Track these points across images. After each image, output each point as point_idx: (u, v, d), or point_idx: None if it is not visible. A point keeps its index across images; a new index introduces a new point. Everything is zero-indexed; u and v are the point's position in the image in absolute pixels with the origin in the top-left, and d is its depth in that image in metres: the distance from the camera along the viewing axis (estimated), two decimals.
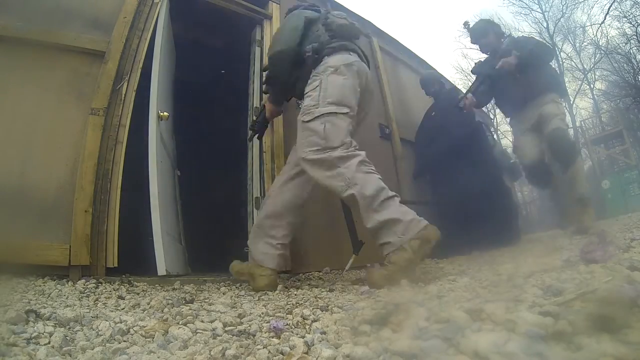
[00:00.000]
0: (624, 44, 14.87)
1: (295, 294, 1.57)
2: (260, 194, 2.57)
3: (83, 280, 1.62)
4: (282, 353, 0.75)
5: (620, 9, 13.77)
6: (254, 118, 2.42)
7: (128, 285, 1.65)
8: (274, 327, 0.90)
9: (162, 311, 1.15)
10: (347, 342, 0.74)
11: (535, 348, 0.52)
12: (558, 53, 18.23)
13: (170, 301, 1.29)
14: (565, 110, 2.76)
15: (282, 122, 2.70)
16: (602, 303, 0.63)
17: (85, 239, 1.76)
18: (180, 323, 0.98)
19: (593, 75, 17.81)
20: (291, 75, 1.92)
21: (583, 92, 18.37)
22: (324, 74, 1.78)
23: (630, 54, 14.65)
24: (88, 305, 1.20)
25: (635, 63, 14.63)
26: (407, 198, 3.53)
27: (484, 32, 3.09)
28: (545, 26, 18.27)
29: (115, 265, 1.83)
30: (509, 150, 3.98)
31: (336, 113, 1.70)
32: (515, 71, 2.76)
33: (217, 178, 4.31)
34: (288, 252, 1.97)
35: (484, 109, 4.32)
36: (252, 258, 1.88)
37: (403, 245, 1.48)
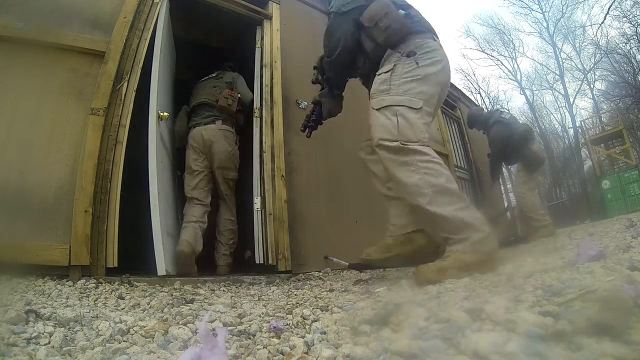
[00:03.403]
0: (624, 44, 14.89)
1: (295, 294, 1.57)
2: (261, 194, 2.57)
3: (83, 280, 1.62)
4: (282, 353, 0.75)
5: (620, 9, 13.78)
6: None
7: (128, 285, 1.65)
8: (274, 327, 0.90)
9: (162, 311, 1.15)
10: (347, 342, 0.74)
11: (535, 348, 0.52)
12: (558, 53, 18.26)
13: (170, 301, 1.29)
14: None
15: (282, 122, 2.70)
16: (602, 303, 0.63)
17: (85, 239, 1.76)
18: (180, 323, 0.98)
19: (593, 75, 17.86)
20: None
21: (583, 92, 18.42)
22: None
23: (630, 54, 14.68)
24: (88, 305, 1.20)
25: (635, 63, 14.64)
26: None
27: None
28: (545, 26, 18.30)
29: (115, 265, 1.83)
30: None
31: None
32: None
33: None
34: None
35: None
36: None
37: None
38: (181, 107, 2.89)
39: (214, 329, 0.90)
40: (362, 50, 1.76)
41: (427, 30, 1.72)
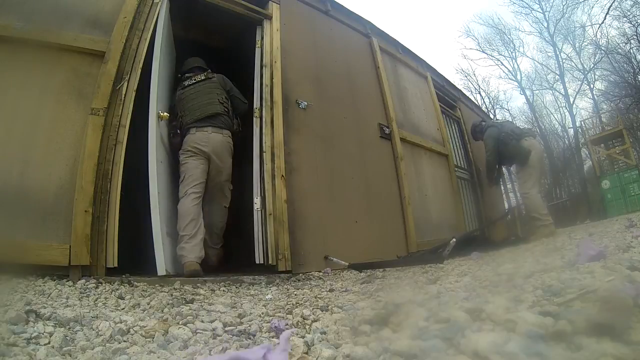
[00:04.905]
0: (624, 44, 14.87)
1: (295, 294, 1.57)
2: (260, 194, 2.57)
3: (83, 280, 1.62)
4: None
5: (620, 9, 13.77)
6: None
7: (128, 285, 1.65)
8: (275, 327, 0.90)
9: (162, 311, 1.15)
10: (347, 342, 0.74)
11: (535, 348, 0.52)
12: (558, 53, 18.25)
13: (170, 301, 1.29)
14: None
15: (282, 122, 2.70)
16: (602, 303, 0.63)
17: (85, 239, 1.76)
18: (180, 323, 0.98)
19: (593, 75, 17.82)
20: None
21: (583, 92, 18.38)
22: None
23: (630, 54, 14.65)
24: (88, 305, 1.20)
25: (635, 63, 14.63)
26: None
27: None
28: (546, 26, 18.28)
29: (115, 265, 1.83)
30: None
31: None
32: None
33: None
34: None
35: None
36: None
37: None
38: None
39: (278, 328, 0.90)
40: None
41: (192, 124, 2.47)
